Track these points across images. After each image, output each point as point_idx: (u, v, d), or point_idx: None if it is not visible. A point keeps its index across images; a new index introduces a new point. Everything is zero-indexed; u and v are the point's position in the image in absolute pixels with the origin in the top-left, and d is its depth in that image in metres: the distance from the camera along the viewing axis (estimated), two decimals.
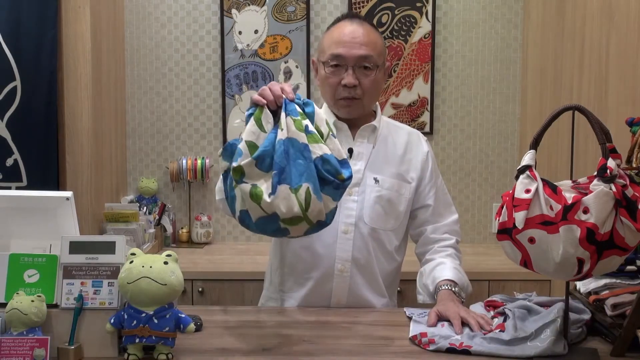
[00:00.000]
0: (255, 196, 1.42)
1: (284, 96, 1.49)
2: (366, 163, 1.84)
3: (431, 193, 1.90)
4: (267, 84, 1.53)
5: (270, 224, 1.44)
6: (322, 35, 1.92)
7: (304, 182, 1.42)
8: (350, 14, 1.91)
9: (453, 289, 1.70)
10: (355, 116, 1.84)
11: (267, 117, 1.48)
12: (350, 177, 1.47)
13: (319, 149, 1.45)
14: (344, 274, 1.82)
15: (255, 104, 1.50)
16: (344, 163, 1.48)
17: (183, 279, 1.39)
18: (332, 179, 1.44)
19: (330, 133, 1.51)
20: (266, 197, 1.42)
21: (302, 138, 1.45)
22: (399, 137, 1.91)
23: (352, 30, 1.79)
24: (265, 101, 1.48)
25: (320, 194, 1.43)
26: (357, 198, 1.82)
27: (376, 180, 1.83)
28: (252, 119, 1.49)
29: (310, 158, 1.44)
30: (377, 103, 1.95)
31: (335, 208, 1.49)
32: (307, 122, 1.48)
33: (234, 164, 1.45)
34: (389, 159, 1.87)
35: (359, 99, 1.79)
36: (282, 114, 1.47)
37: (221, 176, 1.58)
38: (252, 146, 1.45)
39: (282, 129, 1.45)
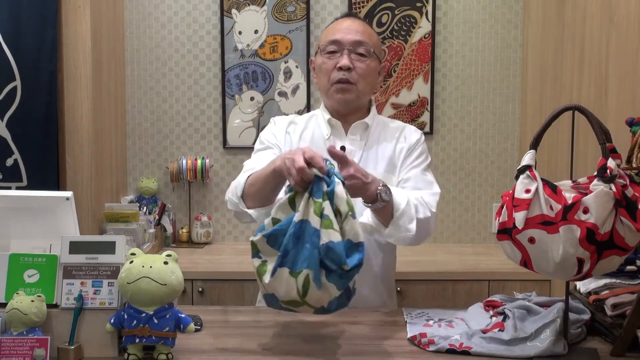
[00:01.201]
0: (258, 274, 1.41)
1: (314, 174, 1.40)
2: (358, 160, 1.84)
3: (412, 171, 1.85)
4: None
5: (274, 302, 1.43)
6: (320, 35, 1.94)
7: (305, 269, 1.36)
8: (348, 13, 1.96)
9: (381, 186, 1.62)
10: (349, 104, 1.84)
11: (300, 198, 1.42)
12: (357, 266, 1.36)
13: (327, 236, 1.35)
14: None
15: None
16: (355, 248, 1.37)
17: (183, 279, 1.39)
18: (335, 268, 1.36)
19: (350, 214, 1.39)
20: (266, 278, 1.39)
21: (316, 222, 1.37)
22: (391, 132, 1.91)
23: (348, 22, 1.86)
24: (295, 181, 1.42)
25: (320, 283, 1.36)
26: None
27: None
28: (287, 195, 1.44)
29: (317, 244, 1.35)
30: (373, 100, 1.95)
31: (342, 296, 1.40)
32: (326, 203, 1.38)
33: (252, 238, 1.43)
34: (380, 155, 1.87)
35: (354, 84, 1.81)
36: (306, 195, 1.39)
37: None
38: (276, 223, 1.42)
39: (298, 211, 1.39)
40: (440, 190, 1.88)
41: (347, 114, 1.87)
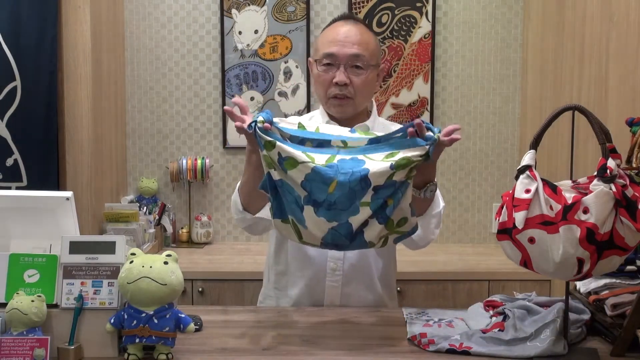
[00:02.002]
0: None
1: (246, 127, 1.48)
2: None
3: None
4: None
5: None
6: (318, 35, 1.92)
7: (289, 215, 1.47)
8: (346, 15, 1.91)
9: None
10: (347, 115, 1.83)
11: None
12: (343, 184, 1.41)
13: (299, 173, 1.42)
14: (337, 273, 1.82)
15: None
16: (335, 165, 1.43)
17: (183, 279, 1.39)
18: (323, 199, 1.41)
19: (318, 127, 1.51)
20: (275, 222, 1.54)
21: (276, 174, 1.45)
22: None
23: (345, 30, 1.80)
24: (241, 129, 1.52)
25: (305, 223, 1.44)
26: None
27: None
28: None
29: (291, 190, 1.45)
30: (374, 102, 1.94)
31: (340, 226, 1.43)
32: (277, 148, 1.43)
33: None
34: None
35: (351, 98, 1.79)
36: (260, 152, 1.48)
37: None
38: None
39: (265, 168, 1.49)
40: (440, 190, 1.88)
41: (346, 118, 1.86)
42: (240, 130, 1.51)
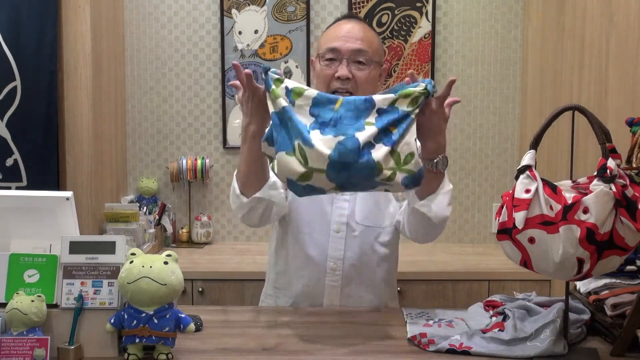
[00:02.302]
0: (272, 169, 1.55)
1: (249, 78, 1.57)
2: None
3: None
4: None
5: (295, 186, 1.49)
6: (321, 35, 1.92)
7: (295, 141, 1.44)
8: (349, 15, 1.92)
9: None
10: None
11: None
12: (348, 102, 1.47)
13: (306, 99, 1.48)
14: (336, 273, 1.82)
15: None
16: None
17: (183, 279, 1.39)
18: (330, 118, 1.45)
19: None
20: (273, 169, 1.53)
21: (283, 102, 1.48)
22: None
23: (349, 27, 1.81)
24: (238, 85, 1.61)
25: (312, 142, 1.42)
26: (349, 197, 1.82)
27: None
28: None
29: (296, 119, 1.45)
30: None
31: (346, 139, 1.42)
32: (285, 83, 1.50)
33: (264, 149, 1.57)
34: None
35: (352, 94, 1.79)
36: (267, 94, 1.53)
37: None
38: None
39: (270, 106, 1.52)
40: None
41: None
42: (248, 85, 1.58)
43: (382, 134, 1.45)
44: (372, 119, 1.45)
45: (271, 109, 1.51)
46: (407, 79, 1.52)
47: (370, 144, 1.44)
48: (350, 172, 1.43)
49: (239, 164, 1.73)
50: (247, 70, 1.58)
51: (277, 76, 1.51)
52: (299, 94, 1.48)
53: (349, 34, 1.79)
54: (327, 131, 1.44)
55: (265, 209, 1.73)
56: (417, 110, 1.48)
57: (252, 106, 1.61)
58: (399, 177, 1.45)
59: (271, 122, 1.51)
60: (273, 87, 1.50)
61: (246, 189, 1.72)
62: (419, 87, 1.48)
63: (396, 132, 1.45)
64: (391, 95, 1.47)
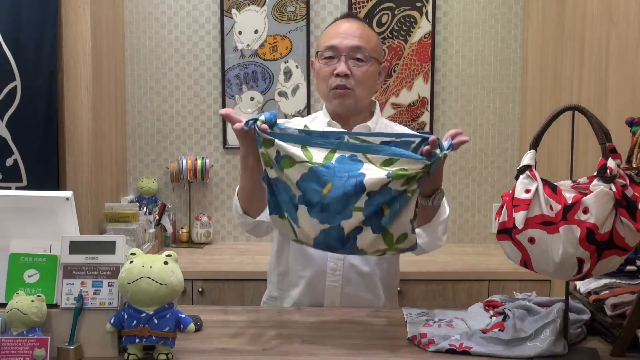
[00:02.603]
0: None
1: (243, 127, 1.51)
2: None
3: None
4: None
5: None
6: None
7: (284, 212, 1.48)
8: (348, 14, 1.93)
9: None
10: (348, 109, 1.82)
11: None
12: (337, 192, 1.41)
13: (296, 172, 1.44)
14: (337, 273, 1.82)
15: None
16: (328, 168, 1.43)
17: (183, 279, 1.39)
18: (317, 201, 1.42)
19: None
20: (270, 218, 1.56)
21: (272, 173, 1.48)
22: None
23: (347, 25, 1.82)
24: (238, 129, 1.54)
25: (298, 223, 1.45)
26: None
27: None
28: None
29: (287, 189, 1.46)
30: (377, 103, 1.93)
31: (331, 228, 1.43)
32: (275, 146, 1.45)
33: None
34: None
35: (351, 89, 1.79)
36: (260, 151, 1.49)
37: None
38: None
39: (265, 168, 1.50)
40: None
41: (347, 117, 1.86)
42: (238, 131, 1.52)
43: (373, 217, 1.42)
44: (361, 203, 1.41)
45: (262, 167, 1.50)
46: (426, 147, 1.44)
47: (357, 229, 1.43)
48: (335, 251, 1.52)
49: (240, 187, 1.73)
50: (236, 125, 1.53)
51: (267, 136, 1.46)
52: (290, 164, 1.45)
53: (347, 32, 1.80)
54: (314, 213, 1.43)
55: (269, 225, 1.76)
56: (415, 187, 1.43)
57: (247, 143, 1.57)
58: (391, 252, 1.49)
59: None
60: (262, 150, 1.47)
61: (250, 211, 1.74)
62: (419, 165, 1.41)
63: (389, 213, 1.42)
64: (383, 178, 1.40)
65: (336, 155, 1.45)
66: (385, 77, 1.92)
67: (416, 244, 1.50)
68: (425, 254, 1.82)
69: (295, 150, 1.45)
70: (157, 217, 3.14)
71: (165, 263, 1.36)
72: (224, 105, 3.25)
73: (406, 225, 1.44)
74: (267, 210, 1.68)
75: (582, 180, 1.37)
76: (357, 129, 1.84)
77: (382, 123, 1.90)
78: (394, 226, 1.43)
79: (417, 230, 1.65)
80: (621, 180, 1.29)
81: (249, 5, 3.21)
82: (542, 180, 1.33)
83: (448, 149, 1.45)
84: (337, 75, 1.77)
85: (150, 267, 1.34)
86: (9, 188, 2.71)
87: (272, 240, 1.98)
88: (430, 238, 1.73)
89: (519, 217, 1.31)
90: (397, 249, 1.48)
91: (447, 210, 1.75)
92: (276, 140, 1.46)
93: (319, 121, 1.89)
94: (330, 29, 1.85)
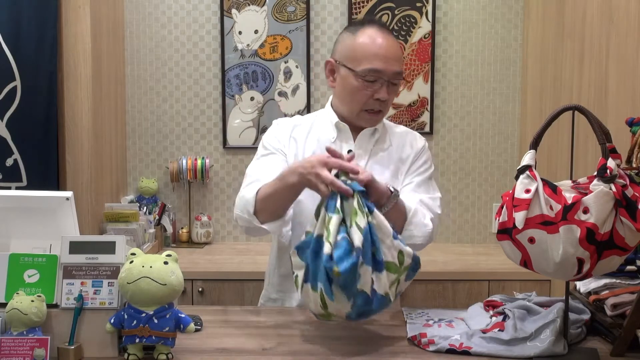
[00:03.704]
0: (296, 287, 1.49)
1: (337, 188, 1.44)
2: (364, 165, 1.83)
3: (416, 178, 1.85)
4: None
5: (312, 312, 1.50)
6: (345, 37, 1.83)
7: (319, 282, 1.40)
8: (375, 21, 1.86)
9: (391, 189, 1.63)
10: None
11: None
12: (348, 271, 1.35)
13: (327, 247, 1.39)
14: None
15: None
16: (349, 254, 1.37)
17: (183, 279, 1.39)
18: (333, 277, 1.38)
19: (355, 221, 1.42)
20: (299, 292, 1.49)
21: (323, 237, 1.41)
22: (397, 138, 1.90)
23: (386, 44, 1.77)
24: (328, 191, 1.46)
25: (331, 295, 1.39)
26: None
27: None
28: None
29: (322, 257, 1.39)
30: None
31: (356, 298, 1.40)
32: (336, 216, 1.41)
33: (291, 252, 1.50)
34: (385, 161, 1.86)
35: (382, 111, 1.81)
36: (322, 209, 1.44)
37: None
38: (307, 235, 1.48)
39: (317, 225, 1.43)
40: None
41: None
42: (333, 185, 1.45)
43: (373, 264, 1.41)
44: (359, 259, 1.39)
45: (316, 231, 1.42)
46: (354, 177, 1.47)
47: (372, 282, 1.41)
48: (371, 315, 1.47)
49: (267, 191, 1.66)
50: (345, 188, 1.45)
51: (338, 206, 1.42)
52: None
53: (389, 54, 1.76)
54: (336, 291, 1.39)
55: (265, 231, 1.73)
56: (367, 212, 1.42)
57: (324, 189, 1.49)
58: (402, 280, 1.49)
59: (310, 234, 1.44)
60: (332, 214, 1.41)
61: (260, 214, 1.69)
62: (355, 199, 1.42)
63: (375, 250, 1.41)
64: (361, 236, 1.39)
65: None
66: None
67: (416, 255, 1.49)
68: (424, 246, 1.77)
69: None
70: (157, 217, 3.14)
71: (165, 263, 1.36)
72: (224, 105, 3.25)
73: (392, 242, 1.44)
74: (276, 223, 1.69)
75: (582, 180, 1.37)
76: (364, 132, 1.85)
77: (384, 124, 1.91)
78: (386, 253, 1.43)
79: (404, 233, 1.68)
80: (621, 180, 1.29)
81: (249, 5, 3.21)
82: (542, 180, 1.33)
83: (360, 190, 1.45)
84: (378, 99, 1.77)
85: (150, 267, 1.34)
86: (9, 188, 2.71)
87: (271, 240, 1.97)
88: (417, 229, 1.71)
89: (519, 217, 1.31)
90: (404, 269, 1.47)
91: (412, 200, 1.72)
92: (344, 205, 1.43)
93: (324, 121, 1.89)
94: (368, 45, 1.77)
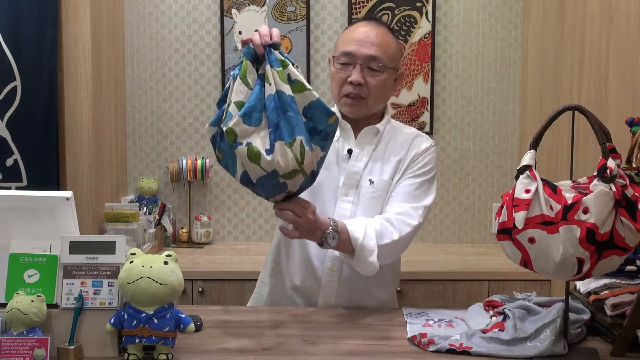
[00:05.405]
0: (254, 156, 1.45)
1: (268, 40, 1.49)
2: (365, 165, 1.83)
3: (407, 181, 1.82)
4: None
5: (270, 181, 1.49)
6: (341, 33, 1.91)
7: (297, 135, 1.46)
8: (369, 17, 1.90)
9: (333, 226, 1.66)
10: (358, 116, 1.83)
11: (251, 72, 1.49)
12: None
13: (304, 98, 1.49)
14: (334, 273, 1.82)
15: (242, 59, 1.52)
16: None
17: (183, 279, 1.39)
18: (323, 127, 1.50)
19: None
20: (265, 156, 1.45)
21: (288, 90, 1.47)
22: (402, 139, 1.87)
23: (366, 30, 1.79)
24: (251, 40, 1.51)
25: (311, 145, 1.49)
26: (353, 199, 1.82)
27: (371, 182, 1.82)
28: (238, 78, 1.48)
29: (297, 110, 1.47)
30: (389, 106, 1.93)
31: (325, 156, 1.56)
32: (288, 70, 1.48)
33: (225, 127, 1.46)
34: (387, 161, 1.85)
35: (364, 99, 1.79)
36: (267, 66, 1.48)
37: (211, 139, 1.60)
38: (241, 105, 1.46)
39: (269, 83, 1.47)
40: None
41: (357, 119, 1.85)
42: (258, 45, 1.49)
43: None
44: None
45: (271, 89, 1.46)
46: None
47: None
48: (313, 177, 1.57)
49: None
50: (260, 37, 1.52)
51: (282, 57, 1.50)
52: (300, 89, 1.49)
53: (365, 39, 1.77)
54: (316, 140, 1.52)
55: None
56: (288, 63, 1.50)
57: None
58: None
59: (250, 97, 1.47)
60: (279, 69, 1.48)
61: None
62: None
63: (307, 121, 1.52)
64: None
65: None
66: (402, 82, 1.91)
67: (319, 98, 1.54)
68: (391, 260, 1.81)
69: (303, 77, 1.50)
70: (157, 217, 3.14)
71: (165, 263, 1.36)
72: None
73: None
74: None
75: (582, 180, 1.37)
76: (365, 130, 1.84)
77: (391, 125, 1.90)
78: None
79: (353, 262, 1.73)
80: (621, 180, 1.29)
81: (249, 5, 3.21)
82: (542, 180, 1.33)
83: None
84: (351, 83, 1.77)
85: (150, 267, 1.34)
86: (9, 188, 2.71)
87: (271, 240, 1.98)
88: (360, 265, 1.71)
89: (519, 217, 1.31)
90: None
91: (363, 230, 1.69)
92: (289, 65, 1.49)
93: None
94: (349, 32, 1.83)
